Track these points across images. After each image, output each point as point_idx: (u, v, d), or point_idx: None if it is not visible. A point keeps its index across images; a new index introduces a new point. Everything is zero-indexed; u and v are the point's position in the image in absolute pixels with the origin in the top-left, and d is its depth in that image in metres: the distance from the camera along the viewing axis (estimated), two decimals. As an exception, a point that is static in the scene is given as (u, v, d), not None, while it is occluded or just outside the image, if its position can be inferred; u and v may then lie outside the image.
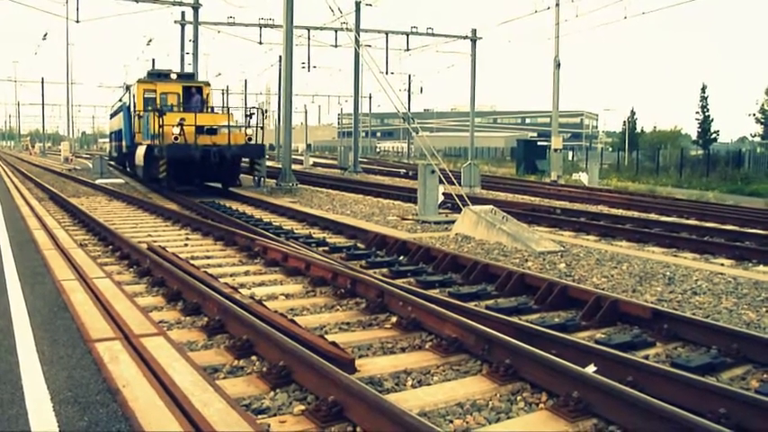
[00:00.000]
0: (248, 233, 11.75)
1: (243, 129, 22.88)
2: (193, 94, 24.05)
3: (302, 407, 4.52)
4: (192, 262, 9.27)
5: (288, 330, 5.67)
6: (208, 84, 26.32)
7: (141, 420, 3.78)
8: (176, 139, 20.32)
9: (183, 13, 35.40)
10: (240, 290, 7.62)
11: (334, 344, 5.46)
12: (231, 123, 22.35)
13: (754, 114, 53.51)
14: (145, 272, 8.85)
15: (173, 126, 20.27)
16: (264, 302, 7.11)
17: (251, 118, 23.34)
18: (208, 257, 10.40)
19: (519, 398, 4.89)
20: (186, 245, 11.62)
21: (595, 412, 4.49)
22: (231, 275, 8.97)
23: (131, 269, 9.28)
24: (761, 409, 4.33)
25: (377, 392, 4.39)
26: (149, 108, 23.00)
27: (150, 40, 46.83)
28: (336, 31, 39.19)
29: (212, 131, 21.50)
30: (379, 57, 39.97)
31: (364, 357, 5.73)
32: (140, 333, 5.43)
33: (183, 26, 35.67)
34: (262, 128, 23.15)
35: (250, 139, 22.03)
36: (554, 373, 4.90)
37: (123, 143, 28.16)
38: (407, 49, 41.71)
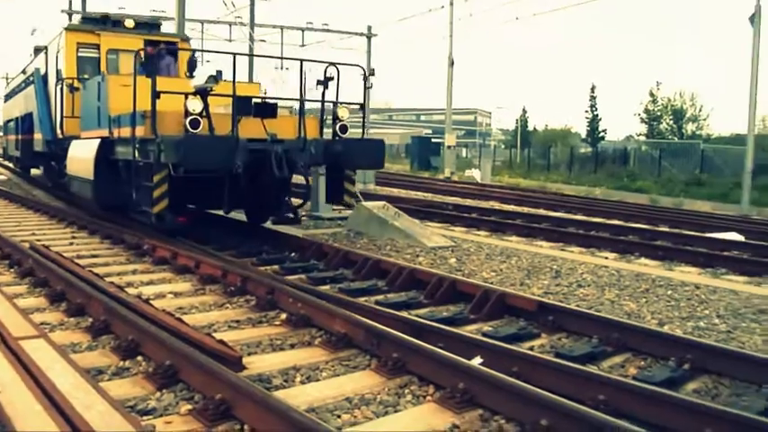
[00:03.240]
0: (136, 232, 11.46)
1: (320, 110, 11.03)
2: (163, 56, 13.60)
3: (189, 406, 4.45)
4: (77, 261, 8.97)
5: (175, 329, 5.57)
6: (186, 39, 16.16)
7: (17, 425, 3.66)
8: (195, 125, 9.22)
9: (70, 2, 34.21)
10: (127, 289, 7.42)
11: (221, 342, 5.39)
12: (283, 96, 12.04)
13: (639, 114, 55.83)
14: (27, 272, 8.51)
15: (188, 98, 9.29)
16: (152, 301, 6.95)
17: (326, 87, 10.59)
18: (94, 256, 10.08)
19: (407, 391, 4.94)
20: (72, 243, 11.22)
21: (481, 403, 4.58)
22: (118, 274, 8.72)
23: (12, 270, 8.92)
24: (636, 394, 4.54)
25: (264, 390, 4.38)
26: (86, 75, 14.12)
27: (35, 30, 44.98)
28: (231, 26, 38.67)
29: (267, 110, 10.12)
30: (274, 52, 39.56)
31: (253, 355, 5.68)
32: (19, 335, 5.23)
33: (70, 15, 34.42)
34: (363, 107, 12.31)
35: (344, 130, 10.98)
36: (441, 366, 4.98)
37: (36, 136, 17.63)
38: (303, 45, 41.59)
